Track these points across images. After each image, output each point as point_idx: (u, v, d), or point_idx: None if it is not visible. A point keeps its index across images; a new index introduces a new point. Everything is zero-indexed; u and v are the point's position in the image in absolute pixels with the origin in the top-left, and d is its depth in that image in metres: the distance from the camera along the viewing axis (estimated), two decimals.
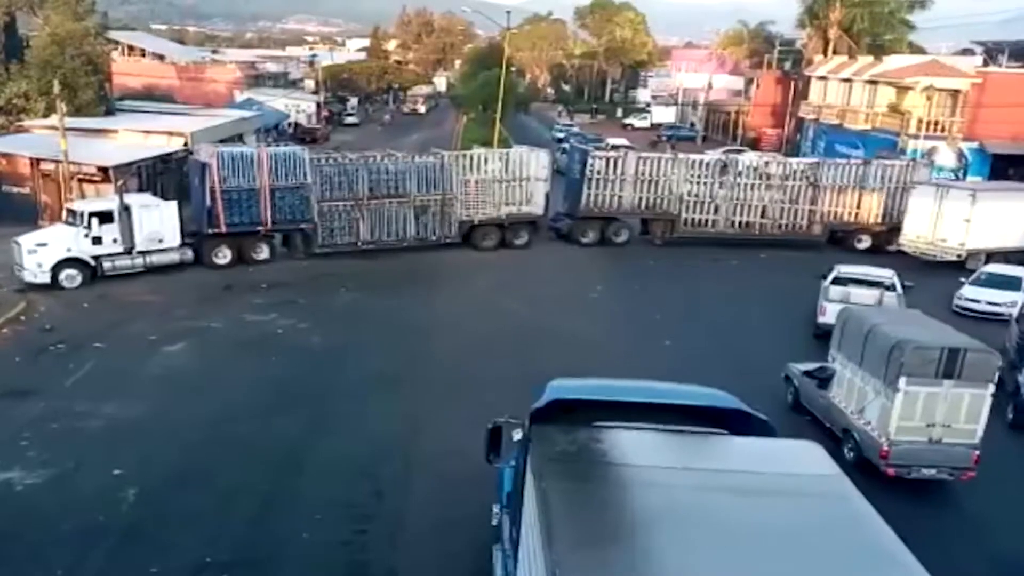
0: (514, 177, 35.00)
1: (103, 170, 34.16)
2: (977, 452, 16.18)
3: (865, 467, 16.49)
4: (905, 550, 7.82)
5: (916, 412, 16.12)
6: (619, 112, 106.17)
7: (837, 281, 25.41)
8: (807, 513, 8.47)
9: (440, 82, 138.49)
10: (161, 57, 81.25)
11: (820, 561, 7.60)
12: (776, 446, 10.30)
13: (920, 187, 35.13)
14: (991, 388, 15.99)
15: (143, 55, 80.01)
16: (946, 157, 47.54)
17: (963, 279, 28.92)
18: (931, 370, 15.90)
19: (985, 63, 58.06)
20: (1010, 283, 27.94)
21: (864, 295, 24.49)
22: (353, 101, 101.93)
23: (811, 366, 19.48)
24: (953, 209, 33.09)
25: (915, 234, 34.30)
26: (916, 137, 48.33)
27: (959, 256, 33.03)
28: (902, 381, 15.96)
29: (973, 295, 27.92)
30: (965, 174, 48.47)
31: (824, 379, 18.72)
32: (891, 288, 24.93)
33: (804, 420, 19.09)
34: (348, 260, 32.07)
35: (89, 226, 27.94)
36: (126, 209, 28.57)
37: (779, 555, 7.60)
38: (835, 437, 17.74)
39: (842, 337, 18.37)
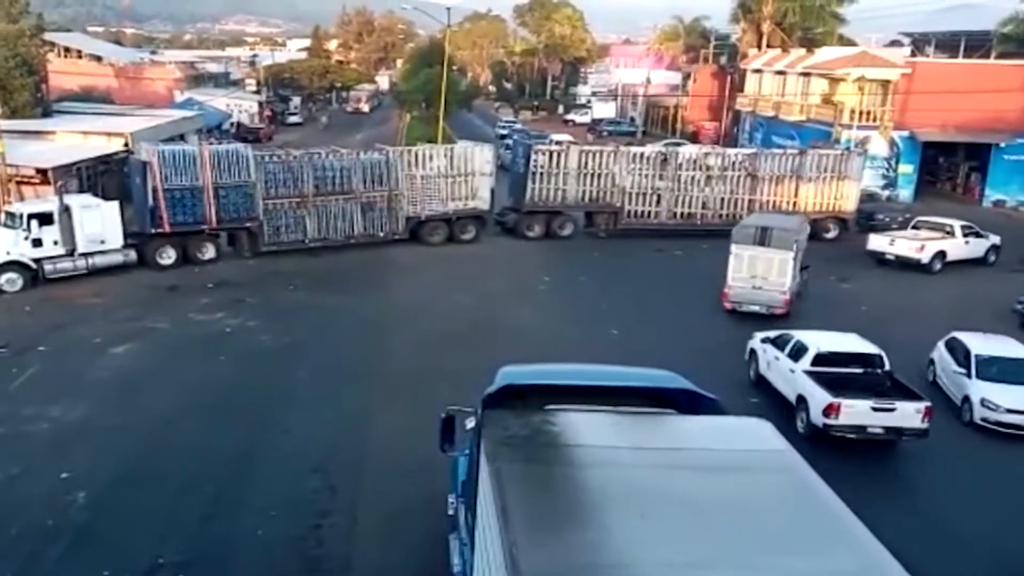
0: (459, 172, 35.16)
1: (42, 172, 33.47)
2: (786, 297, 25.12)
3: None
4: (857, 522, 7.98)
5: (743, 268, 25.52)
6: (560, 108, 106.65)
7: (915, 226, 34.51)
8: (759, 488, 8.62)
9: (383, 81, 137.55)
10: (98, 58, 79.46)
11: (775, 535, 7.76)
12: (726, 423, 10.49)
13: None
14: (792, 253, 25.06)
15: (80, 56, 78.15)
16: (879, 146, 48.76)
17: (958, 368, 20.08)
18: (750, 240, 25.51)
19: (913, 54, 59.63)
20: None
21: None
22: (296, 100, 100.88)
23: None
24: None
25: None
26: (849, 127, 49.31)
27: None
28: (733, 247, 25.73)
29: (1012, 402, 18.66)
30: (897, 162, 49.79)
31: None
32: (951, 234, 33.11)
33: None
34: (296, 258, 31.91)
35: (29, 228, 27.43)
36: (66, 210, 28.12)
37: (733, 530, 7.72)
38: None
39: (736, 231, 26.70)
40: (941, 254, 32.48)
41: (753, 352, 21.26)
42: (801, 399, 18.25)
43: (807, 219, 31.62)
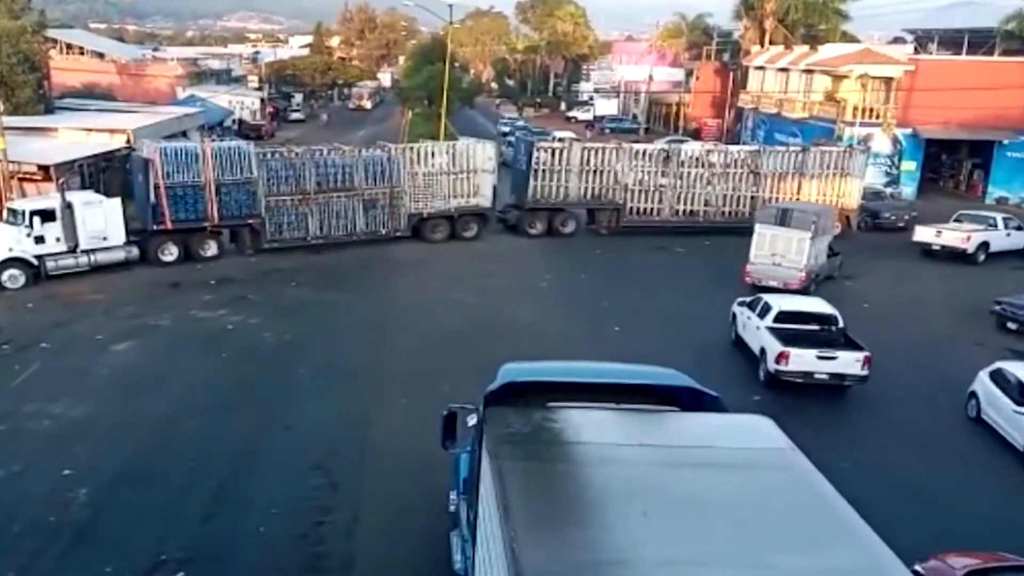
0: (461, 169, 35.11)
1: (44, 168, 33.48)
2: (802, 275, 26.94)
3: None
4: (859, 520, 7.92)
5: (765, 245, 27.78)
6: (563, 105, 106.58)
7: (958, 219, 35.86)
8: (762, 486, 8.56)
9: (385, 78, 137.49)
10: (101, 55, 79.29)
11: (777, 533, 7.70)
12: (728, 421, 10.43)
13: None
14: (809, 234, 26.94)
15: (82, 53, 78.01)
16: (881, 143, 48.70)
17: (1018, 408, 17.27)
18: (772, 220, 27.92)
19: (916, 51, 59.49)
20: None
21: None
22: (298, 97, 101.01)
23: None
24: None
25: None
26: (852, 124, 49.28)
27: None
28: (757, 226, 28.27)
29: None
30: (900, 159, 49.71)
31: None
32: (994, 226, 34.65)
33: None
34: (298, 255, 31.88)
35: (31, 225, 27.45)
36: (68, 207, 28.11)
37: (735, 528, 7.66)
38: None
39: (760, 212, 30.18)
40: (985, 245, 33.84)
41: (734, 315, 23.49)
42: (763, 351, 20.68)
43: (835, 208, 34.09)
